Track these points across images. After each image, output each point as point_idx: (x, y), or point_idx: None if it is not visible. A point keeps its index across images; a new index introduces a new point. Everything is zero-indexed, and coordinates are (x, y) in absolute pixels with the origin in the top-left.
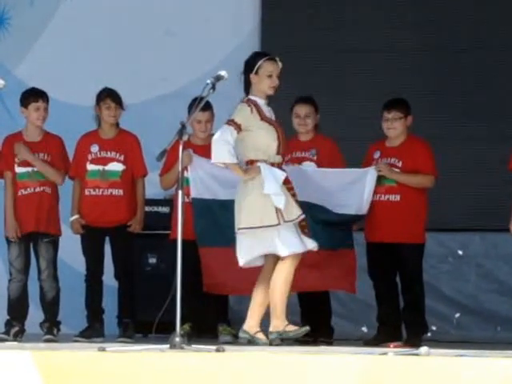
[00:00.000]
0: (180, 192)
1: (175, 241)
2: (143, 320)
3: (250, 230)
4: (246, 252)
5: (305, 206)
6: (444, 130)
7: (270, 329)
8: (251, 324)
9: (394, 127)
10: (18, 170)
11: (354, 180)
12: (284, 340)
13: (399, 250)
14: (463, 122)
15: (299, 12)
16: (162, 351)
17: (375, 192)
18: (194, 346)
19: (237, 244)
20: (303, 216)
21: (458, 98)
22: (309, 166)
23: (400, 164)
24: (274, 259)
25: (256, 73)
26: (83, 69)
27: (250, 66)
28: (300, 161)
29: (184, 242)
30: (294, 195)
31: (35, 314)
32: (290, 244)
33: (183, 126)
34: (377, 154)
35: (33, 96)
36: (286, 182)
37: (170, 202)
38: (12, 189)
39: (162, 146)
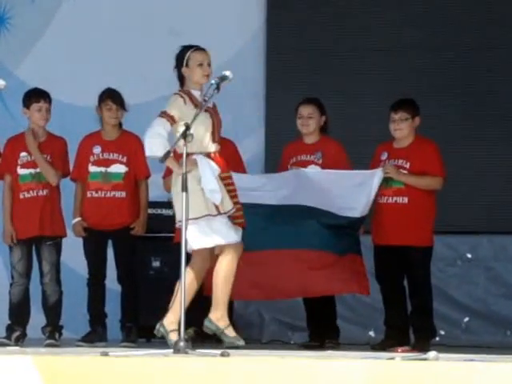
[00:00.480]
0: (184, 194)
1: (179, 244)
2: (147, 324)
3: (193, 221)
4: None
5: (314, 212)
6: (453, 131)
7: (210, 315)
8: (171, 320)
9: (401, 128)
10: (21, 171)
11: (360, 182)
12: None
13: (407, 253)
14: (473, 123)
15: (305, 12)
16: (165, 356)
17: (383, 194)
18: (198, 350)
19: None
20: (234, 209)
21: (469, 98)
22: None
23: (408, 165)
24: (205, 253)
25: (187, 65)
26: (85, 69)
27: (179, 60)
28: (305, 164)
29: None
30: (230, 190)
31: (37, 318)
32: (227, 235)
33: (187, 128)
34: (384, 156)
35: (35, 96)
36: (224, 177)
37: None
38: (10, 193)
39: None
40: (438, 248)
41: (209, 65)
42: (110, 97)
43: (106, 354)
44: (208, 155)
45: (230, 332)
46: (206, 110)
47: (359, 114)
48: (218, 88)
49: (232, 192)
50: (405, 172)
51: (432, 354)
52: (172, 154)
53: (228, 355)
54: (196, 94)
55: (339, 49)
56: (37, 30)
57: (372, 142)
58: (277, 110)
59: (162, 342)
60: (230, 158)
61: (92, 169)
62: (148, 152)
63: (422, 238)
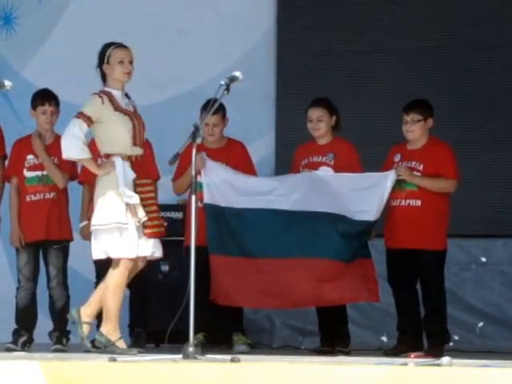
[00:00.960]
0: (193, 197)
1: (188, 247)
2: (155, 329)
3: (103, 227)
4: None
5: (326, 219)
6: (468, 133)
7: (101, 329)
8: (88, 313)
9: (413, 130)
10: (28, 174)
11: (373, 184)
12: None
13: (420, 257)
14: (487, 125)
15: (316, 11)
16: (174, 361)
17: (395, 197)
18: (208, 355)
19: (92, 239)
20: (146, 218)
21: (483, 100)
22: (326, 172)
23: (421, 167)
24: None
25: (108, 62)
26: (93, 70)
27: (101, 57)
28: (317, 166)
29: (198, 248)
30: (146, 198)
31: (44, 323)
32: (127, 248)
33: (196, 129)
34: (397, 157)
35: (40, 99)
36: (141, 184)
37: (183, 208)
38: (18, 195)
39: (174, 150)
40: (451, 251)
41: (130, 62)
42: None
43: (114, 360)
44: (128, 158)
45: (121, 344)
46: (125, 114)
47: (372, 115)
48: (227, 89)
49: (148, 200)
50: (418, 174)
51: (446, 359)
52: (88, 155)
53: (238, 361)
54: (117, 94)
55: (351, 49)
56: (44, 30)
57: (385, 143)
58: (287, 111)
59: (171, 348)
60: (239, 160)
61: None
62: (64, 154)
63: (436, 242)
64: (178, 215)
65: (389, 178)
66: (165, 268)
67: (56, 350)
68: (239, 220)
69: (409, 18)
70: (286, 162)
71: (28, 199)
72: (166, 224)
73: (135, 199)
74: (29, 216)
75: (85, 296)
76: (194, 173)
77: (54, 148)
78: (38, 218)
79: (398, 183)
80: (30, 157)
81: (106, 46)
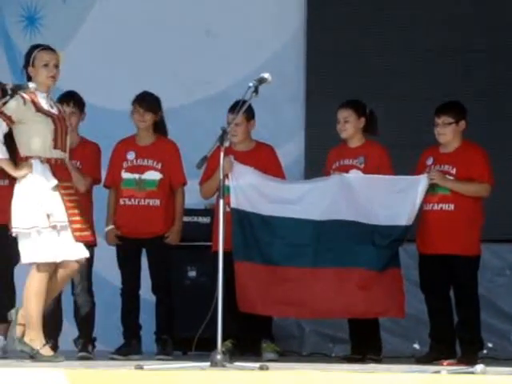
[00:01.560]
0: (221, 201)
1: (216, 253)
2: (182, 336)
3: (23, 231)
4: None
5: (357, 227)
6: (501, 136)
7: (25, 338)
8: (32, 336)
9: (444, 133)
10: None
11: (405, 188)
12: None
13: (453, 263)
14: None
15: (346, 11)
16: (202, 369)
17: (428, 201)
18: (236, 363)
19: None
20: (65, 222)
21: None
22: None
23: (454, 171)
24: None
25: (33, 65)
26: (119, 72)
27: (27, 59)
28: (347, 169)
29: (225, 253)
30: (70, 201)
31: (69, 330)
32: (42, 252)
33: (224, 132)
34: (430, 161)
35: (59, 100)
36: (65, 187)
37: (211, 212)
38: None
39: (201, 153)
40: (485, 257)
41: (56, 66)
42: (137, 100)
43: (140, 368)
44: (48, 161)
45: (47, 351)
46: (48, 115)
47: (403, 117)
48: (256, 91)
49: (70, 203)
50: (451, 178)
51: (479, 367)
52: (5, 156)
53: (267, 368)
54: (41, 96)
55: (381, 49)
56: (68, 31)
57: (417, 146)
58: (317, 113)
59: (199, 355)
60: (268, 164)
61: (125, 175)
62: None
63: (469, 247)
64: (206, 220)
65: (421, 182)
66: (192, 273)
67: (81, 358)
68: (266, 227)
69: (444, 18)
70: (315, 165)
71: None
72: (89, 227)
73: (51, 204)
74: None
75: (111, 302)
76: (221, 176)
77: (78, 151)
78: None
79: (431, 187)
80: None
81: (33, 48)
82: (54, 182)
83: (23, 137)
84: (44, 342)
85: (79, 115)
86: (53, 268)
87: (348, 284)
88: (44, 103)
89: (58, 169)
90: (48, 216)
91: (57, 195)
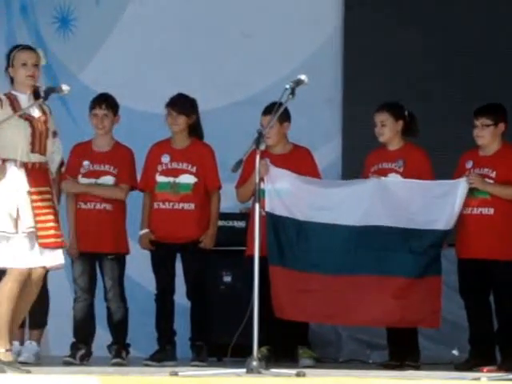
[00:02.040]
0: (257, 205)
1: (251, 257)
2: (218, 342)
3: None
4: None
5: (395, 233)
6: None
7: None
8: None
9: (483, 135)
10: (82, 180)
11: (444, 192)
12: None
13: (493, 267)
14: None
15: (384, 12)
16: (238, 376)
17: (467, 205)
18: (272, 370)
19: None
20: (32, 228)
21: None
22: (395, 178)
23: (494, 175)
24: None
25: (12, 65)
26: (153, 73)
27: (7, 60)
28: (386, 173)
29: (261, 258)
30: (39, 207)
31: (103, 336)
32: (13, 258)
33: (260, 135)
34: (469, 164)
35: (92, 102)
36: (34, 192)
37: (246, 216)
38: (74, 202)
39: (237, 156)
40: None
41: (35, 65)
42: (170, 103)
43: (175, 374)
44: (25, 165)
45: (6, 357)
46: (25, 119)
47: (442, 120)
48: (292, 93)
49: (43, 209)
50: (490, 181)
51: None
52: None
53: (304, 375)
54: (22, 97)
55: (420, 51)
56: (102, 32)
57: (457, 149)
58: (354, 115)
59: (234, 362)
60: (304, 167)
61: (160, 179)
62: None
63: (509, 252)
64: (241, 224)
65: (460, 186)
66: (227, 279)
67: (115, 364)
68: (301, 232)
69: (483, 19)
70: (352, 168)
71: (78, 207)
72: (61, 234)
73: (20, 209)
74: (81, 225)
75: (146, 308)
76: (257, 180)
77: (112, 156)
78: (87, 229)
79: (470, 191)
80: (85, 163)
81: (12, 49)
82: (26, 187)
83: (0, 140)
84: (8, 347)
85: (112, 118)
86: (25, 274)
87: (384, 292)
88: (24, 105)
89: (35, 173)
90: (17, 222)
91: (27, 201)
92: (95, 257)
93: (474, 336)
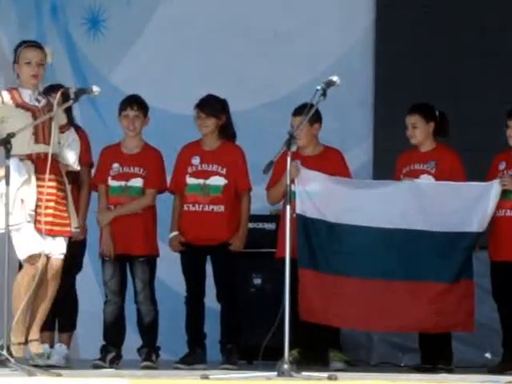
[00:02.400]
0: (288, 207)
1: (282, 259)
2: (248, 345)
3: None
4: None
5: (427, 237)
6: None
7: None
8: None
9: None
10: (112, 183)
11: (477, 195)
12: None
13: None
14: None
15: (416, 12)
16: (269, 379)
17: (500, 207)
18: (303, 373)
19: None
20: (32, 214)
21: None
22: (427, 180)
23: None
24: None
25: (18, 62)
26: (184, 74)
27: (14, 56)
28: (417, 174)
29: (292, 260)
30: (43, 193)
31: (132, 339)
32: (23, 246)
33: (291, 136)
34: (502, 165)
35: (123, 104)
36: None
37: (276, 218)
38: (107, 203)
39: (268, 158)
40: None
41: (40, 64)
42: (199, 105)
43: (206, 377)
44: (29, 157)
45: (18, 352)
46: (27, 109)
47: (476, 121)
48: (324, 94)
49: (48, 195)
50: None
51: None
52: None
53: (335, 378)
54: (26, 92)
55: (452, 51)
56: (132, 34)
57: (490, 150)
58: (385, 117)
59: (265, 365)
60: (335, 169)
61: (190, 180)
62: None
63: None
64: (271, 226)
65: (493, 188)
66: (257, 281)
67: (145, 367)
68: (332, 235)
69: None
70: (384, 171)
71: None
72: (69, 223)
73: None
74: (112, 228)
75: (176, 310)
76: (288, 182)
77: (141, 158)
78: (118, 231)
79: (503, 193)
80: (115, 165)
81: (19, 45)
82: (32, 176)
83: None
84: (21, 341)
85: (143, 119)
86: (38, 265)
87: (419, 298)
88: (28, 100)
89: (41, 163)
90: (25, 211)
91: (32, 188)
92: (126, 259)
93: (507, 339)
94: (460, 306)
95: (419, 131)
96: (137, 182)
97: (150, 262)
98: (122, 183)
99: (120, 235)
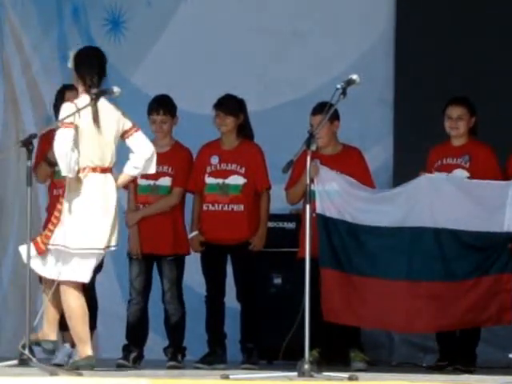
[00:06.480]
0: (308, 206)
1: (302, 259)
2: (268, 345)
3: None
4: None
5: (449, 235)
6: None
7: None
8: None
9: None
10: (141, 182)
11: (498, 193)
12: None
13: None
14: None
15: (436, 10)
16: (289, 379)
17: None
18: (324, 373)
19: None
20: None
21: None
22: (460, 175)
23: None
24: None
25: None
26: (205, 74)
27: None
28: (451, 168)
29: (312, 260)
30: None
31: (154, 339)
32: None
33: (311, 135)
34: None
35: (150, 108)
36: None
37: (297, 217)
38: (135, 201)
39: (288, 157)
40: None
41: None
42: (217, 103)
43: (226, 377)
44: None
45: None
46: None
47: (495, 119)
48: (344, 93)
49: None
50: None
51: None
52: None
53: (356, 379)
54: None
55: (474, 49)
56: (153, 35)
57: (508, 147)
58: (406, 115)
59: (285, 365)
60: (355, 168)
61: (209, 180)
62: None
63: None
64: (291, 225)
65: (510, 188)
66: (277, 281)
67: (171, 367)
68: (352, 235)
69: None
70: (404, 169)
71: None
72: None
73: None
74: (140, 227)
75: (196, 310)
76: (308, 181)
77: (169, 156)
78: (148, 230)
79: None
80: None
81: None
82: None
83: None
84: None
85: (171, 121)
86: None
87: (446, 298)
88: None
89: None
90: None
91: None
92: (153, 259)
93: None
94: (492, 301)
95: (463, 124)
96: (165, 181)
97: (178, 261)
98: (151, 182)
99: (147, 234)
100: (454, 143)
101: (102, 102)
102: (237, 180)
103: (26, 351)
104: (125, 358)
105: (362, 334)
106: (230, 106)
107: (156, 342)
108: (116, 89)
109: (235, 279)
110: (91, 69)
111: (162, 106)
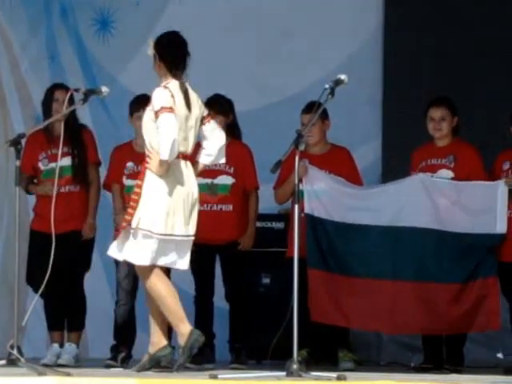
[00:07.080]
0: (296, 206)
1: (291, 259)
2: (257, 345)
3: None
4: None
5: (437, 236)
6: None
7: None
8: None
9: None
10: (127, 182)
11: (483, 194)
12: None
13: None
14: None
15: (424, 11)
16: (278, 379)
17: (508, 207)
18: (312, 373)
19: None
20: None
21: None
22: (445, 175)
23: None
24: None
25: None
26: (192, 74)
27: None
28: (435, 169)
29: (300, 260)
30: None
31: (141, 339)
32: None
33: (299, 135)
34: (506, 165)
35: (135, 105)
36: None
37: (285, 217)
38: (122, 202)
39: (276, 157)
40: None
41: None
42: (207, 103)
43: (214, 377)
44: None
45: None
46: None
47: (484, 119)
48: (332, 93)
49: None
50: None
51: None
52: None
53: (345, 378)
54: None
55: (460, 49)
56: (141, 34)
57: (499, 148)
58: (394, 115)
59: (274, 364)
60: (344, 168)
61: (197, 180)
62: None
63: None
64: (279, 225)
65: (499, 188)
66: (266, 280)
67: (159, 367)
68: (340, 235)
69: None
70: (392, 168)
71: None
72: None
73: None
74: None
75: (185, 311)
76: (296, 181)
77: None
78: None
79: (510, 193)
80: (129, 164)
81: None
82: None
83: None
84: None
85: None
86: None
87: (430, 300)
88: None
89: None
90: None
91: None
92: None
93: None
94: (481, 305)
95: (446, 124)
96: None
97: None
98: (139, 182)
99: None
100: (437, 144)
101: (187, 86)
102: (225, 180)
103: (15, 351)
104: (113, 359)
105: (351, 334)
106: (220, 105)
107: (144, 341)
108: (104, 88)
109: (224, 279)
110: (176, 53)
111: (145, 103)
